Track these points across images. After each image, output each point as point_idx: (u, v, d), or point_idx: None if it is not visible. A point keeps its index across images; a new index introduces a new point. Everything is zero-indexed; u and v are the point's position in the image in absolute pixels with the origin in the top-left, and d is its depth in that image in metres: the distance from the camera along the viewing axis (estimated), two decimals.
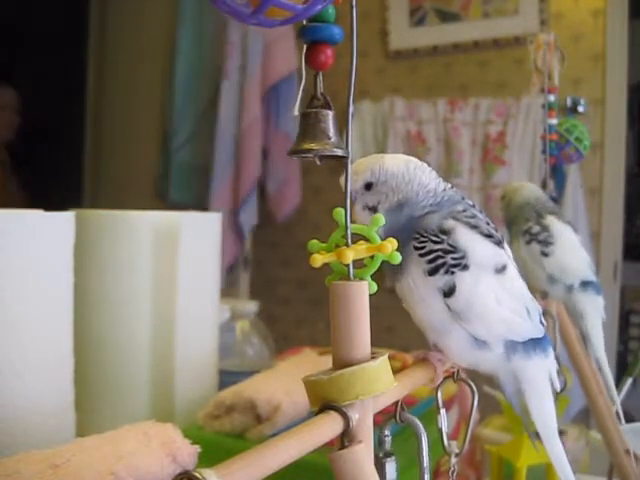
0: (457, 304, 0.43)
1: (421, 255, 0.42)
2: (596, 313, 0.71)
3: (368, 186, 0.44)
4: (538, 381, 0.48)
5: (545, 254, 0.70)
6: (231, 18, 0.30)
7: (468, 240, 0.43)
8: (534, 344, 0.47)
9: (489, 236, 0.45)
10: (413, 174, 0.45)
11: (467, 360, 0.46)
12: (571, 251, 0.70)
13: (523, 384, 0.47)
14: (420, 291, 0.43)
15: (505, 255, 0.45)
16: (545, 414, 0.48)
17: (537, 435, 0.59)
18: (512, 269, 0.46)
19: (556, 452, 0.49)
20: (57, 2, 2.46)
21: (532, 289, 0.50)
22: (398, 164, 0.45)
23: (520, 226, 0.73)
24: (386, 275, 0.44)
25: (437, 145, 2.02)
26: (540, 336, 0.47)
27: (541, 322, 0.47)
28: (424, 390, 0.69)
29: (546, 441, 0.49)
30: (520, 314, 0.45)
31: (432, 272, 0.42)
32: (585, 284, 0.70)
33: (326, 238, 0.38)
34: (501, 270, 0.44)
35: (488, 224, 0.45)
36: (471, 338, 0.44)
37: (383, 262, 0.37)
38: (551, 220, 0.71)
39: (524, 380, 0.47)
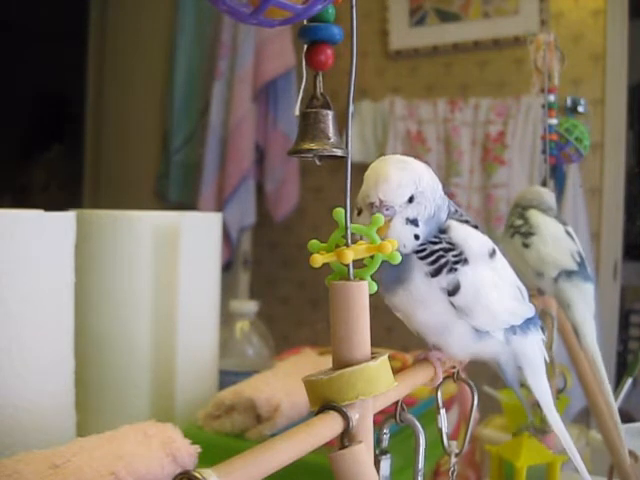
0: (462, 300, 0.43)
1: (421, 258, 0.42)
2: (584, 302, 0.69)
3: (411, 199, 0.42)
4: (535, 356, 0.50)
5: (526, 245, 0.70)
6: (227, 18, 0.30)
7: (463, 234, 0.44)
8: (528, 322, 0.48)
9: (475, 227, 0.46)
10: (436, 180, 0.44)
11: (469, 352, 0.47)
12: (552, 241, 0.69)
13: (522, 362, 0.49)
14: (422, 295, 0.43)
15: (491, 240, 0.47)
16: (544, 387, 0.51)
17: (537, 430, 0.61)
18: (498, 252, 0.47)
19: (554, 418, 0.51)
20: (57, 2, 2.46)
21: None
22: (426, 171, 0.43)
23: (507, 223, 0.74)
24: (381, 286, 0.43)
25: (437, 145, 2.02)
26: (532, 315, 0.49)
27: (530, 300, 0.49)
28: (424, 390, 0.69)
29: (547, 411, 0.51)
30: (516, 297, 0.47)
31: (435, 273, 0.42)
32: (569, 273, 0.69)
33: (326, 238, 0.38)
34: (493, 254, 0.45)
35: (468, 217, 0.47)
36: (473, 331, 0.45)
37: (380, 273, 0.38)
38: (532, 213, 0.71)
39: (523, 358, 0.49)
